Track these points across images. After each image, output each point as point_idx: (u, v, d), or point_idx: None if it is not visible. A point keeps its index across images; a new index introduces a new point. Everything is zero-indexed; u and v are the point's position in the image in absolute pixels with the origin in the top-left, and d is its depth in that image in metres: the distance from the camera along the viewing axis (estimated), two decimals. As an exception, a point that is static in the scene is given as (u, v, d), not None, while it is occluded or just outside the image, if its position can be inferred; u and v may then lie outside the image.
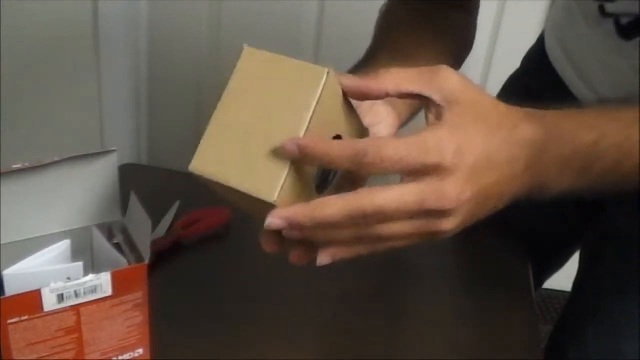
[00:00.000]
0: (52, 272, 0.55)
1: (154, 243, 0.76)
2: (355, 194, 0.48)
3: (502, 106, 0.53)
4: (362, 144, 0.48)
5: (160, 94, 1.64)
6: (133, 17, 1.54)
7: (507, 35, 1.45)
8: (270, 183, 0.48)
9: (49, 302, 0.54)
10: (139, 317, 0.60)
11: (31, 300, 0.54)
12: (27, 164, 0.57)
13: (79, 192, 0.61)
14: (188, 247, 0.80)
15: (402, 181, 0.48)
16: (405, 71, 0.52)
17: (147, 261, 0.57)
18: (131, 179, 0.68)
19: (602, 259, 0.82)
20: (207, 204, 0.81)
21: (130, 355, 0.61)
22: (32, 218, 0.60)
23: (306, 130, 0.48)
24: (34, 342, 0.56)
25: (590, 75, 0.76)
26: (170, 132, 1.66)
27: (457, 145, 0.48)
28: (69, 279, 0.55)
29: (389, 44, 0.71)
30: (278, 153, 0.48)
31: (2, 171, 0.56)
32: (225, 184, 0.49)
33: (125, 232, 0.63)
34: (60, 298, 0.55)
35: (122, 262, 0.58)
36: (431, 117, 0.51)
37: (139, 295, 0.58)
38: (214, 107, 0.51)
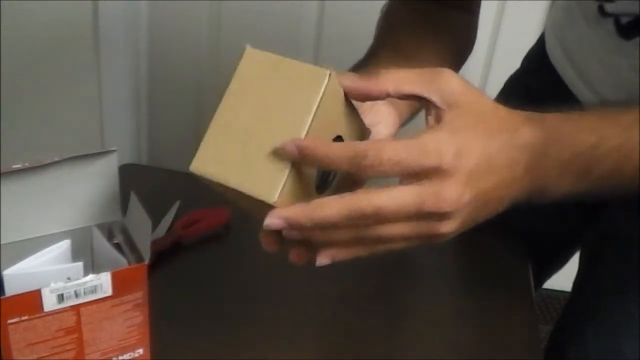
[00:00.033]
0: (52, 272, 0.55)
1: (154, 243, 0.76)
2: (353, 195, 0.48)
3: (502, 109, 0.53)
4: (361, 146, 0.48)
5: (160, 94, 1.64)
6: (133, 17, 1.54)
7: (507, 35, 1.45)
8: (270, 184, 0.48)
9: (49, 302, 0.54)
10: (139, 317, 0.60)
11: (31, 300, 0.54)
12: (27, 164, 0.57)
13: (79, 192, 0.61)
14: (188, 247, 0.80)
15: (401, 183, 0.48)
16: (406, 72, 0.52)
17: (147, 261, 0.57)
18: (131, 179, 0.68)
19: (602, 259, 0.82)
20: (207, 204, 0.81)
21: (130, 355, 0.61)
22: (32, 218, 0.60)
23: (307, 132, 0.48)
24: (34, 342, 0.56)
25: (590, 75, 0.76)
26: (170, 132, 1.66)
27: (456, 149, 0.48)
28: (69, 279, 0.55)
29: (390, 43, 0.71)
30: (278, 154, 0.48)
31: (2, 171, 0.56)
32: (225, 184, 0.49)
33: (125, 232, 0.63)
34: (60, 298, 0.55)
35: (122, 262, 0.58)
36: (431, 119, 0.51)
37: (139, 295, 0.58)
38: (215, 107, 0.51)
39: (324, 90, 0.49)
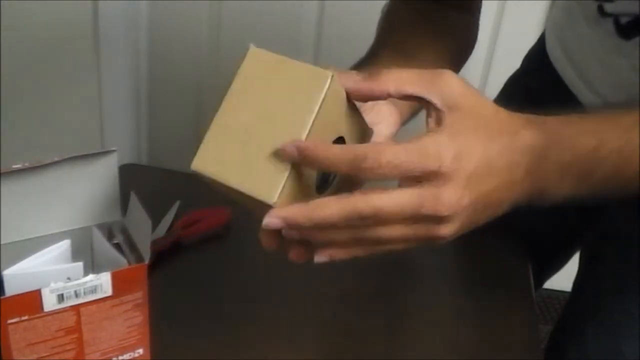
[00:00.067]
0: (52, 272, 0.55)
1: (154, 243, 0.76)
2: (352, 196, 0.48)
3: (503, 112, 0.53)
4: (361, 149, 0.48)
5: (160, 94, 1.64)
6: (133, 17, 1.54)
7: (507, 35, 1.45)
8: (270, 184, 0.48)
9: (49, 302, 0.54)
10: (139, 317, 0.60)
11: (31, 300, 0.54)
12: (27, 164, 0.57)
13: (79, 192, 0.61)
14: (188, 247, 0.80)
15: (400, 185, 0.48)
16: (407, 72, 0.52)
17: (147, 261, 0.57)
18: (131, 179, 0.68)
19: (602, 259, 0.82)
20: (207, 204, 0.81)
21: (130, 355, 0.61)
22: (32, 218, 0.60)
23: (308, 133, 0.48)
24: (34, 342, 0.56)
25: (590, 75, 0.76)
26: (170, 132, 1.66)
27: (456, 151, 0.48)
28: (69, 279, 0.55)
29: (391, 43, 0.71)
30: (279, 155, 0.48)
31: (2, 171, 0.56)
32: (225, 184, 0.49)
33: (125, 232, 0.63)
34: (60, 298, 0.55)
35: (122, 262, 0.58)
36: (431, 122, 0.51)
37: (139, 295, 0.58)
38: (216, 106, 0.51)
39: (326, 92, 0.49)
